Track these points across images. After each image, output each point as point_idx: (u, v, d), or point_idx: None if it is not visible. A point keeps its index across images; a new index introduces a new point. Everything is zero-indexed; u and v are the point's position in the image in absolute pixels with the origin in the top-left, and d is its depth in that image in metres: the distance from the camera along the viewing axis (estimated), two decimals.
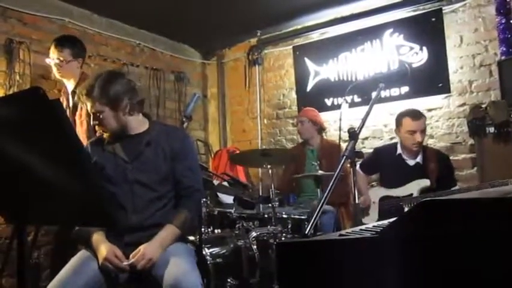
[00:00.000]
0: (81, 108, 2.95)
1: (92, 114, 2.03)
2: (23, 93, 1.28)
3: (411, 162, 3.21)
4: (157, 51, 4.99)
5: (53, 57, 3.00)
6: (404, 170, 3.20)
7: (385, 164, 3.33)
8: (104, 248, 1.87)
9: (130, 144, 2.06)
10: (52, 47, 3.02)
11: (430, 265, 0.82)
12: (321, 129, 4.03)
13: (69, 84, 3.05)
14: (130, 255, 1.87)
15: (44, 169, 1.06)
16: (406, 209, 3.04)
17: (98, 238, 1.92)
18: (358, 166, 3.44)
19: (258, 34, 5.11)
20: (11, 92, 3.43)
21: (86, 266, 1.87)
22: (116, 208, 1.91)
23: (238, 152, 4.68)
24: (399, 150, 3.26)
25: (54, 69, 3.02)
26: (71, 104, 3.04)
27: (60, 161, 1.04)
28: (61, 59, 2.96)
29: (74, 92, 3.02)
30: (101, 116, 2.00)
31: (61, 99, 3.13)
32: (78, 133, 2.94)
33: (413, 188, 3.10)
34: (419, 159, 3.19)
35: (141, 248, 1.87)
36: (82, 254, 1.95)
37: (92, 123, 2.07)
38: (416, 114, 3.18)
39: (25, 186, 1.12)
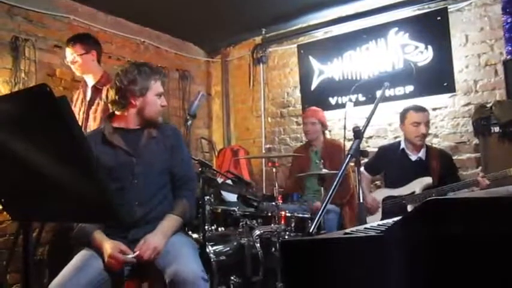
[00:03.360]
0: (98, 103, 2.99)
1: (162, 95, 2.15)
2: (29, 90, 1.28)
3: (413, 157, 3.24)
4: (161, 49, 5.00)
5: (67, 56, 3.04)
6: (407, 166, 3.23)
7: (389, 161, 3.35)
8: (108, 246, 1.88)
9: (133, 137, 2.09)
10: (66, 48, 3.06)
11: (435, 264, 0.82)
12: (325, 128, 4.04)
13: (89, 79, 3.09)
14: (136, 247, 1.90)
15: (50, 166, 1.06)
16: (409, 207, 3.09)
17: (100, 237, 1.94)
18: (362, 167, 3.45)
19: (263, 32, 5.10)
20: (16, 89, 3.46)
21: (88, 264, 1.88)
22: (120, 204, 1.92)
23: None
24: (402, 145, 3.30)
25: (73, 68, 3.07)
26: (87, 98, 3.07)
27: (65, 158, 1.05)
28: (74, 54, 3.00)
29: (93, 87, 3.05)
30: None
31: (78, 93, 3.18)
32: (90, 127, 2.97)
33: (416, 186, 3.12)
34: (421, 154, 3.22)
35: (145, 238, 1.91)
36: (84, 252, 1.96)
37: (164, 103, 2.16)
38: (420, 108, 3.26)
39: (31, 183, 1.12)
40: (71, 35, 3.15)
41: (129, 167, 2.02)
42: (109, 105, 2.19)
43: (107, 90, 2.97)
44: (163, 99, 2.16)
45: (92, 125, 2.97)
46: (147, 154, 2.06)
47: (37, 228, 3.24)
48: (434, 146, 3.70)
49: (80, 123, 2.99)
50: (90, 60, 3.03)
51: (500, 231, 0.77)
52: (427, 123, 3.20)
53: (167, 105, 2.20)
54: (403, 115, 3.27)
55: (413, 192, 3.11)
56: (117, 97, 2.07)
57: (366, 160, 3.50)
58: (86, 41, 3.04)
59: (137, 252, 1.87)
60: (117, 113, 2.11)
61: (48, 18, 3.85)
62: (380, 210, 3.28)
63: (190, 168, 2.23)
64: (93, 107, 3.01)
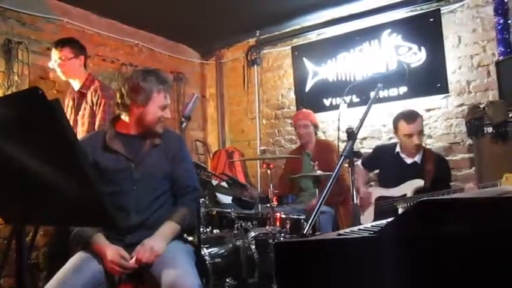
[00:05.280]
0: (85, 108, 2.98)
1: (166, 107, 2.11)
2: (22, 93, 1.28)
3: (409, 161, 3.22)
4: (155, 51, 5.00)
5: (54, 59, 3.02)
6: (401, 169, 3.21)
7: (384, 161, 3.35)
8: (109, 250, 1.87)
9: (135, 143, 2.09)
10: (53, 50, 3.06)
11: (428, 265, 0.82)
12: (317, 130, 4.05)
13: (75, 84, 3.08)
14: (134, 251, 1.89)
15: (42, 169, 1.06)
16: (400, 210, 3.05)
17: (100, 241, 1.92)
18: (359, 161, 3.46)
19: (257, 34, 5.11)
20: (9, 92, 3.43)
21: (85, 266, 1.87)
22: (114, 208, 1.91)
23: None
24: (398, 149, 3.27)
25: (59, 71, 3.05)
26: (75, 104, 3.06)
27: (58, 161, 1.05)
28: (62, 57, 2.98)
29: (79, 92, 3.03)
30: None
31: (67, 99, 3.16)
32: (79, 132, 2.96)
33: (408, 188, 3.09)
34: (417, 158, 3.20)
35: (143, 242, 1.90)
36: (80, 254, 1.94)
37: (167, 115, 2.11)
38: (410, 117, 3.15)
39: (24, 187, 1.12)
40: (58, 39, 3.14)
41: (128, 173, 2.02)
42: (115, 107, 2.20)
43: (91, 93, 2.97)
44: (167, 111, 2.12)
45: (81, 130, 2.96)
46: (147, 162, 2.06)
47: (30, 232, 3.22)
48: (431, 149, 3.63)
49: None
50: (78, 65, 3.03)
51: (494, 231, 0.77)
52: (420, 132, 3.14)
53: (170, 117, 2.15)
54: (395, 124, 3.21)
55: (404, 195, 3.09)
56: (119, 101, 2.08)
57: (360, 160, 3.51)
58: (75, 45, 3.04)
59: (135, 257, 1.86)
60: (122, 117, 2.11)
61: (41, 21, 3.83)
62: (372, 208, 3.27)
63: (195, 178, 2.23)
64: (80, 112, 3.01)
